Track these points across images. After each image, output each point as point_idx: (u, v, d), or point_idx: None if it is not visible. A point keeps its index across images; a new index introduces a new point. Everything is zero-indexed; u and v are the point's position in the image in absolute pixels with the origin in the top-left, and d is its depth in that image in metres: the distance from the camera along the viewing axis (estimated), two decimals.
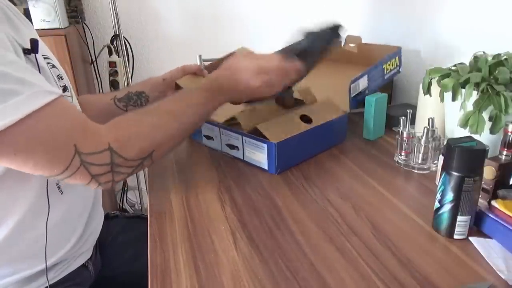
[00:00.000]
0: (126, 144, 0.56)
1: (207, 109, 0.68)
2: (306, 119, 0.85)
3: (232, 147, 0.86)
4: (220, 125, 0.86)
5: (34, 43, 0.57)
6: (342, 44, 1.17)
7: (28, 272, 0.64)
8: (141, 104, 0.89)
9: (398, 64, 1.05)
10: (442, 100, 0.76)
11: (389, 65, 1.01)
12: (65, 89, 0.67)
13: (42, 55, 0.64)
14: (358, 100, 0.93)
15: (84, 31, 1.78)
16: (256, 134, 0.78)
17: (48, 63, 0.65)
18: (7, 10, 0.61)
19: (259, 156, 0.80)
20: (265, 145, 0.77)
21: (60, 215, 0.66)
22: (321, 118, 0.85)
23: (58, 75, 0.66)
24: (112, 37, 1.71)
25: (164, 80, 0.90)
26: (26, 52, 0.56)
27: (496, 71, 0.67)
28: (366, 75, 0.94)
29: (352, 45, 1.14)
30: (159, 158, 0.61)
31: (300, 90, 0.92)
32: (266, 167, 0.80)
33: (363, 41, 1.14)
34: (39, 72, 0.57)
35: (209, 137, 0.92)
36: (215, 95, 0.69)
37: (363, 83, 0.93)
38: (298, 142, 0.80)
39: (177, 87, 0.90)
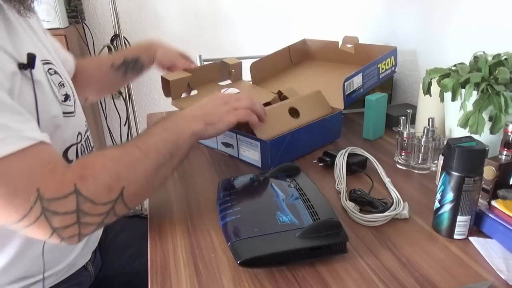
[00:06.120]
0: (93, 182, 0.50)
1: (176, 141, 0.59)
2: (293, 111, 0.85)
3: (227, 145, 0.86)
4: None
5: (31, 58, 0.55)
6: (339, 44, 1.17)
7: (26, 282, 0.64)
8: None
9: (393, 64, 1.05)
10: (442, 100, 0.76)
11: (384, 64, 1.01)
12: (66, 97, 0.65)
13: (43, 61, 0.63)
14: (352, 98, 0.93)
15: (84, 31, 1.78)
16: (247, 128, 0.78)
17: (49, 69, 0.63)
18: (12, 18, 0.59)
19: (253, 154, 0.81)
20: (258, 143, 0.78)
21: None
22: (311, 112, 0.86)
23: (59, 83, 0.65)
24: (112, 37, 1.71)
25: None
26: (21, 67, 0.54)
27: (496, 71, 0.68)
28: (361, 74, 0.94)
29: (349, 45, 1.15)
30: (133, 201, 0.54)
31: (284, 90, 0.92)
32: (259, 165, 0.80)
33: (361, 42, 1.15)
34: (34, 88, 0.55)
35: None
36: (178, 126, 0.61)
37: (357, 81, 0.94)
38: (291, 139, 0.81)
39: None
